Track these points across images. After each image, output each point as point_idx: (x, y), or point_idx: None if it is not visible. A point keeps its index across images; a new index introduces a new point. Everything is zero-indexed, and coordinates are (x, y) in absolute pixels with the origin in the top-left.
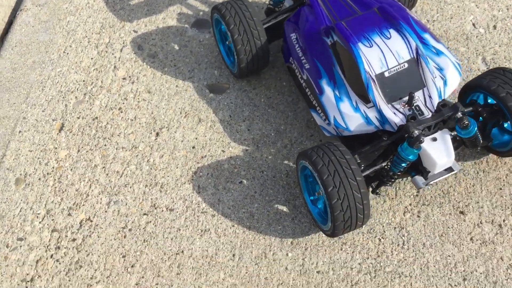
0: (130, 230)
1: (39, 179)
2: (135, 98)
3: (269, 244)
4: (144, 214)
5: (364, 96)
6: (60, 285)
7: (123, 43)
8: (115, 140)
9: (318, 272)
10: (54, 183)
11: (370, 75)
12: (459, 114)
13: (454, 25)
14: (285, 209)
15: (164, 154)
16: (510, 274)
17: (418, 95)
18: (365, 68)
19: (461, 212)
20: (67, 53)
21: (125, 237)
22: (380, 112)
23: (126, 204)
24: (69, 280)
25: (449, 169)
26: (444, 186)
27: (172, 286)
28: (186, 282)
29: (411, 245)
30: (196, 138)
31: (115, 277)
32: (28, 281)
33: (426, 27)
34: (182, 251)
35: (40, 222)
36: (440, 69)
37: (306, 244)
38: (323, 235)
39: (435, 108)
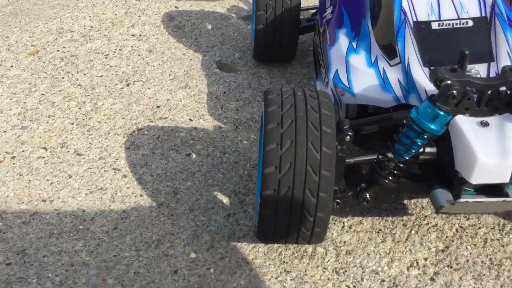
0: (13, 157)
1: None
2: (131, 52)
3: (173, 234)
4: (43, 148)
5: (390, 49)
6: None
7: (156, 11)
8: (76, 77)
9: None
10: None
11: (407, 18)
12: None
13: None
14: (225, 201)
15: (118, 103)
16: None
17: (480, 69)
18: (403, 6)
19: None
20: (95, 5)
21: (0, 162)
22: (407, 73)
23: (33, 133)
24: None
25: (500, 191)
26: (492, 251)
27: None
28: (33, 245)
29: None
30: (168, 100)
31: None
32: None
33: None
34: (51, 201)
35: None
36: None
37: (227, 252)
38: (263, 249)
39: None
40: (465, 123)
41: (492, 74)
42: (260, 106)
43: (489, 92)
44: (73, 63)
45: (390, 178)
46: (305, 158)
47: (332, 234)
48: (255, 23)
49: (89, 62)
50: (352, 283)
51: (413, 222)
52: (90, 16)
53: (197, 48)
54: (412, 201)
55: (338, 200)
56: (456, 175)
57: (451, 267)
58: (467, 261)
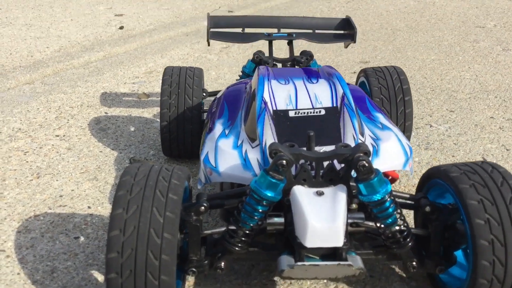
0: None
1: None
2: (51, 150)
3: None
4: None
5: (253, 133)
6: None
7: (86, 116)
8: None
9: None
10: None
11: (267, 107)
12: (360, 156)
13: None
14: (100, 278)
15: (23, 193)
16: None
17: (328, 149)
18: (264, 97)
19: None
20: (29, 111)
21: None
22: (264, 153)
23: None
24: None
25: (337, 255)
26: None
27: None
28: None
29: None
30: (73, 190)
31: None
32: None
33: (383, 111)
34: None
35: None
36: (376, 139)
37: None
38: None
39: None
40: (302, 193)
41: None
42: None
43: (325, 165)
44: None
45: (240, 245)
46: (149, 222)
47: None
48: (160, 120)
49: (7, 158)
50: None
51: None
52: (21, 120)
53: (115, 147)
54: (282, 280)
55: (194, 269)
56: (296, 241)
57: None
58: None
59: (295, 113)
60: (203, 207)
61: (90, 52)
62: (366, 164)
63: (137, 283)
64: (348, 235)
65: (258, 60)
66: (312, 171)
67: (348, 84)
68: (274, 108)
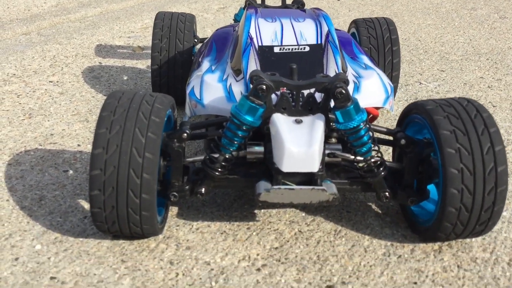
0: None
1: None
2: (43, 94)
3: (26, 230)
4: None
5: (238, 68)
6: None
7: (80, 65)
8: None
9: (51, 278)
10: None
11: (253, 42)
12: (338, 83)
13: None
14: (86, 206)
15: (15, 131)
16: None
17: None
18: (250, 33)
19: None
20: (24, 59)
21: None
22: (247, 86)
23: None
24: None
25: (311, 179)
26: (322, 250)
27: None
28: None
29: None
30: (63, 130)
31: None
32: None
33: (369, 55)
34: None
35: None
36: (358, 76)
37: (72, 245)
38: (108, 244)
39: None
40: (281, 120)
41: None
42: None
43: (305, 94)
44: None
45: (220, 170)
46: (131, 141)
47: (179, 233)
48: (151, 63)
49: (0, 100)
50: (182, 271)
51: (257, 226)
52: (16, 66)
53: (107, 93)
54: (262, 211)
55: (175, 193)
56: (274, 166)
57: (279, 260)
58: (296, 256)
59: (280, 49)
60: (185, 134)
61: (87, 7)
62: (343, 91)
63: (119, 200)
64: (325, 165)
65: None
66: (294, 103)
67: (337, 30)
68: (260, 44)
